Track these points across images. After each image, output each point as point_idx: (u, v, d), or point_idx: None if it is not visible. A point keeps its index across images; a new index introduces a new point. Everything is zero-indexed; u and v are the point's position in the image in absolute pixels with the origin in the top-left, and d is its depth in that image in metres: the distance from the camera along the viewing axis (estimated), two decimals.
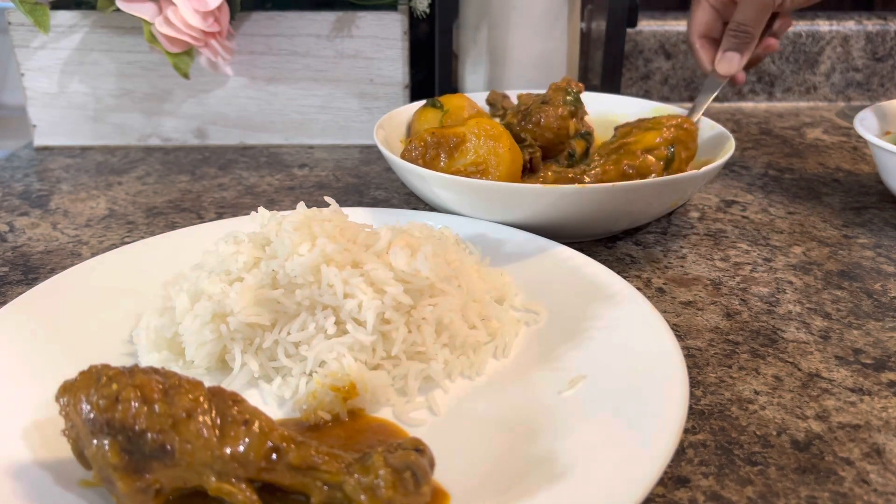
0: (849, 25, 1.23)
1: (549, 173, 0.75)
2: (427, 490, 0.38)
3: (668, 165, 0.72)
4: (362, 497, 0.37)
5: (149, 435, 0.36)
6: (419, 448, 0.39)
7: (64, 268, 0.69)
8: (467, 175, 0.70)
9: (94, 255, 0.71)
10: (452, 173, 0.69)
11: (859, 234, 0.76)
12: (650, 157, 0.71)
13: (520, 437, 0.46)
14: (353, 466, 0.38)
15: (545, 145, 0.80)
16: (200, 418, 0.37)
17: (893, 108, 0.87)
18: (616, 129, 0.79)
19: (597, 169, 0.72)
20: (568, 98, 0.79)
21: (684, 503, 0.43)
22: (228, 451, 0.37)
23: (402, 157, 0.73)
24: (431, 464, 0.39)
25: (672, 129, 0.73)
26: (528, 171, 0.77)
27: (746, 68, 0.85)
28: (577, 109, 0.80)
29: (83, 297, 0.58)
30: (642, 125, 0.76)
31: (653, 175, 0.71)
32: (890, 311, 0.62)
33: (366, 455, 0.39)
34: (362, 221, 0.62)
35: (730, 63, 0.80)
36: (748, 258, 0.72)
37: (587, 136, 0.83)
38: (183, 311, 0.54)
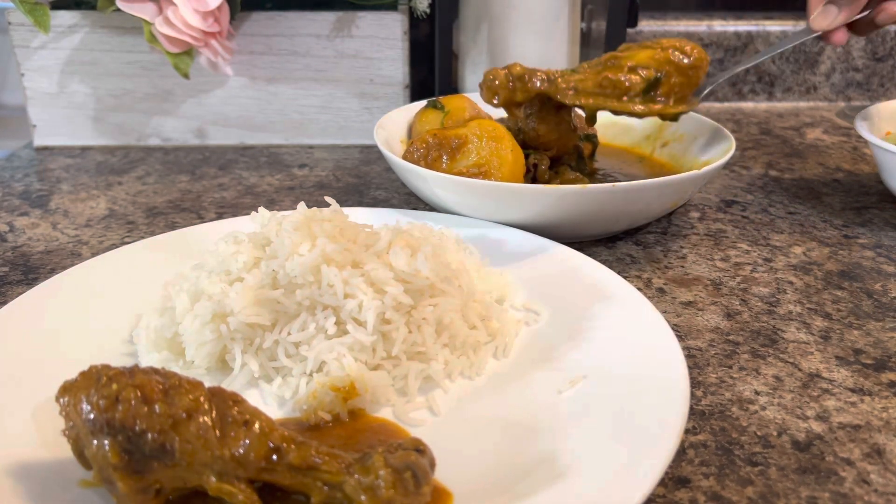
0: None
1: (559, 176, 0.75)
2: (427, 490, 0.38)
3: (652, 88, 0.68)
4: (362, 497, 0.37)
5: (149, 435, 0.36)
6: (419, 448, 0.39)
7: (64, 268, 0.69)
8: (469, 176, 0.69)
9: (94, 255, 0.71)
10: (454, 174, 0.69)
11: (859, 234, 0.76)
12: (633, 77, 0.68)
13: (520, 437, 0.46)
14: (353, 466, 0.38)
15: (560, 148, 0.78)
16: (200, 418, 0.37)
17: (893, 108, 0.87)
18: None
19: (577, 76, 0.70)
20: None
21: (685, 503, 0.43)
22: (228, 451, 0.37)
23: (404, 158, 0.72)
24: (432, 464, 0.39)
25: (668, 52, 0.69)
26: (531, 180, 0.77)
27: (858, 32, 0.75)
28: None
29: (83, 297, 0.58)
30: (644, 44, 0.72)
31: (630, 93, 0.69)
32: (890, 312, 0.62)
33: (366, 455, 0.39)
34: (362, 221, 0.62)
35: (825, 17, 0.72)
36: (748, 258, 0.72)
37: (592, 137, 0.83)
38: (183, 311, 0.54)
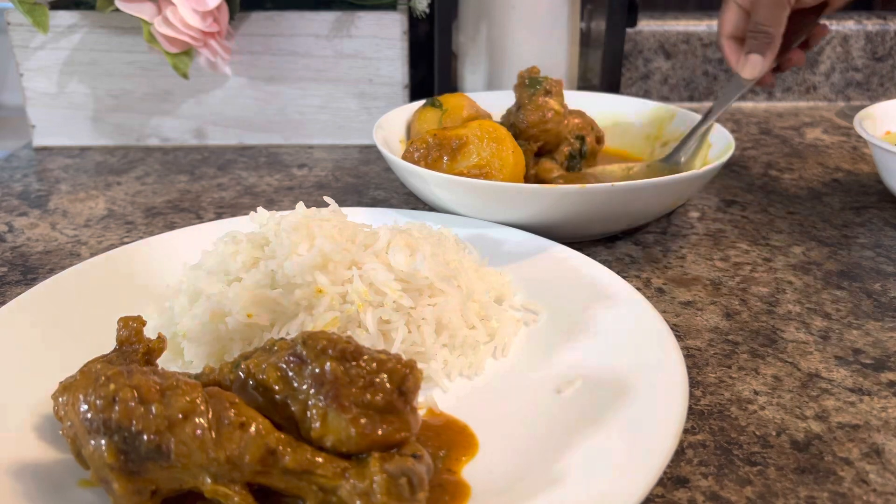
0: (849, 25, 1.23)
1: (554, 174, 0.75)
2: (423, 497, 0.38)
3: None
4: (358, 502, 0.37)
5: (145, 436, 0.36)
6: (417, 454, 0.39)
7: (63, 268, 0.69)
8: (470, 177, 0.69)
9: (93, 255, 0.71)
10: (455, 175, 0.68)
11: (859, 234, 0.76)
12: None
13: (518, 437, 0.46)
14: (348, 471, 0.38)
15: (549, 140, 0.79)
16: (197, 420, 0.37)
17: (893, 107, 0.87)
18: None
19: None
20: (528, 87, 0.78)
21: (683, 503, 0.43)
22: (224, 453, 0.37)
23: (404, 158, 0.72)
24: (429, 470, 0.39)
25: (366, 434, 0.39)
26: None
27: (777, 71, 0.82)
28: (543, 87, 0.78)
29: (82, 298, 0.58)
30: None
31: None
32: (889, 311, 0.62)
33: (362, 460, 0.38)
34: (361, 221, 0.62)
35: (753, 66, 0.76)
36: (748, 258, 0.72)
37: (583, 137, 0.83)
38: (182, 311, 0.54)
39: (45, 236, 0.76)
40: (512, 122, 0.79)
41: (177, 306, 0.54)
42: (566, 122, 0.80)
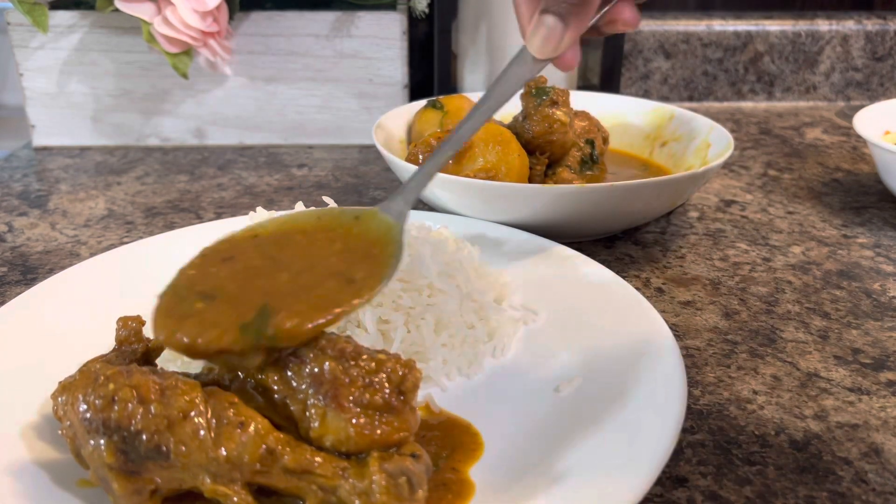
0: (848, 25, 1.23)
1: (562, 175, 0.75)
2: (422, 496, 0.38)
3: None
4: (357, 502, 0.37)
5: (144, 435, 0.36)
6: (415, 454, 0.39)
7: (63, 268, 0.69)
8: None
9: (92, 255, 0.71)
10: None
11: (859, 233, 0.76)
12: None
13: (518, 436, 0.46)
14: (348, 470, 0.38)
15: (554, 151, 0.78)
16: (196, 420, 0.37)
17: (893, 107, 0.87)
18: None
19: None
20: (535, 97, 0.77)
21: (682, 503, 0.43)
22: (223, 453, 0.37)
23: (408, 160, 0.72)
24: (428, 470, 0.39)
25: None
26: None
27: (595, 33, 0.55)
28: (550, 97, 0.76)
29: (82, 298, 0.58)
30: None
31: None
32: (889, 311, 0.62)
33: (361, 459, 0.39)
34: None
35: (549, 40, 0.49)
36: (747, 258, 0.72)
37: (591, 140, 0.83)
38: None
39: (44, 236, 0.77)
40: (517, 132, 0.78)
41: None
42: (572, 130, 0.79)
